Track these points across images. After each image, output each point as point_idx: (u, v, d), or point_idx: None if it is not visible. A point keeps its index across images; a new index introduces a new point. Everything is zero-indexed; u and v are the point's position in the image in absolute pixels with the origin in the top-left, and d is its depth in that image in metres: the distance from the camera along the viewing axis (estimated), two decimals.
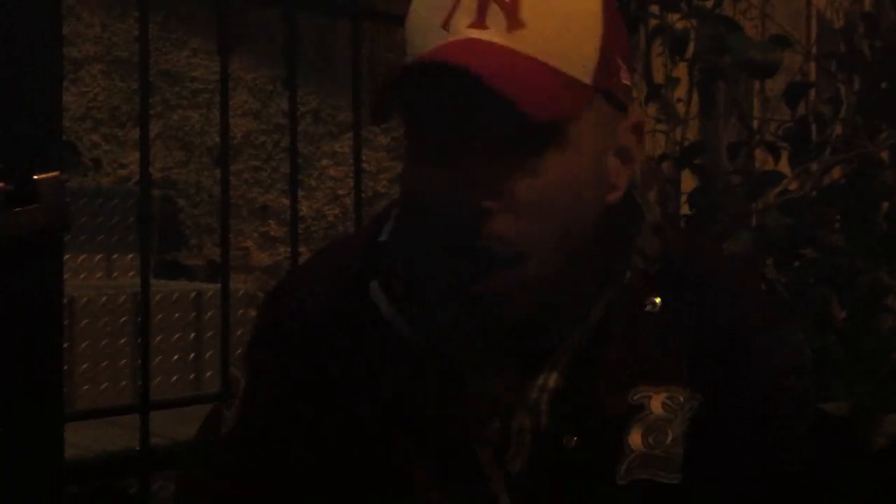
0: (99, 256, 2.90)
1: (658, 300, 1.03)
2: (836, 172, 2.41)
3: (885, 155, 2.52)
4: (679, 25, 2.21)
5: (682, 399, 1.01)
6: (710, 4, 2.23)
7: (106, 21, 3.42)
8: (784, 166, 2.32)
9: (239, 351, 2.31)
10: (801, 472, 1.08)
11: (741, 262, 1.83)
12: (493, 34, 0.93)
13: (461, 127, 0.93)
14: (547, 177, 0.93)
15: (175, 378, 2.49)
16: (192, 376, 2.52)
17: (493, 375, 1.02)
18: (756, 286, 1.16)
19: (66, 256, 2.20)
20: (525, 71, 0.91)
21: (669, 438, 1.00)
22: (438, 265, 0.96)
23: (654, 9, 2.31)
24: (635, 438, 1.00)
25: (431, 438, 1.02)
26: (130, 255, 2.90)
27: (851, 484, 2.01)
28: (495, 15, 0.93)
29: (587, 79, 0.95)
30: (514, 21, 0.93)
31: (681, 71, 2.24)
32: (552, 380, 1.01)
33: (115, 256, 2.93)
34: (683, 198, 2.26)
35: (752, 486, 1.04)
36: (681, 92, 2.26)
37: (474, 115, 0.93)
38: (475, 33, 0.93)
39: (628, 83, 1.01)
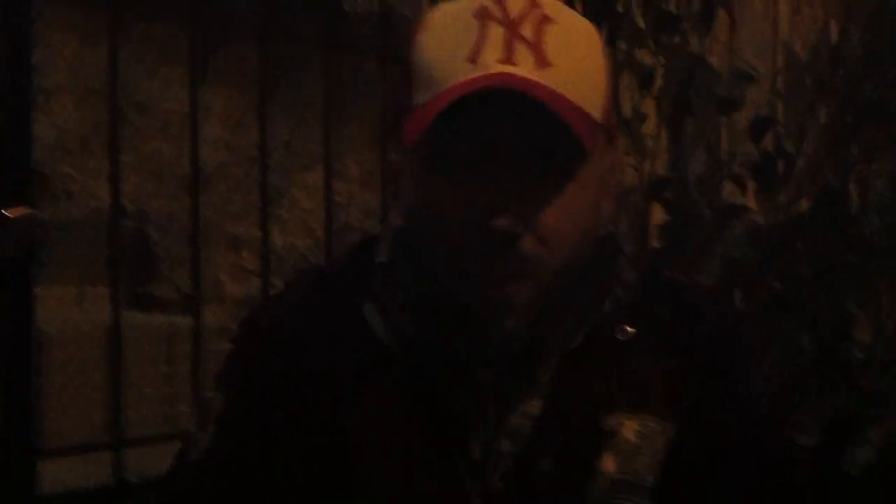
0: (71, 287, 2.89)
1: (630, 329, 1.05)
2: (805, 204, 2.43)
3: (851, 186, 2.55)
4: (646, 61, 2.23)
5: (652, 426, 1.03)
6: (676, 40, 2.26)
7: (78, 50, 3.42)
8: (752, 199, 2.35)
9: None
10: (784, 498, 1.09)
11: (715, 293, 1.85)
12: (524, 71, 0.96)
13: (506, 151, 0.97)
14: (567, 206, 0.99)
15: (147, 411, 2.48)
16: (164, 409, 2.51)
17: (478, 399, 1.03)
18: (729, 317, 1.18)
19: (38, 288, 2.19)
20: (565, 105, 0.95)
21: (641, 465, 1.02)
22: (457, 277, 0.99)
23: (621, 45, 2.33)
24: (607, 463, 1.02)
25: (417, 456, 1.02)
26: (102, 287, 2.88)
27: None
28: (522, 52, 0.96)
29: (599, 117, 1.00)
30: (541, 59, 0.97)
31: (647, 105, 2.27)
32: (535, 407, 1.03)
33: (86, 288, 2.92)
34: (653, 231, 2.29)
35: None
36: (649, 126, 2.28)
37: (523, 139, 0.96)
38: (506, 69, 0.96)
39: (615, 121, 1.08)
